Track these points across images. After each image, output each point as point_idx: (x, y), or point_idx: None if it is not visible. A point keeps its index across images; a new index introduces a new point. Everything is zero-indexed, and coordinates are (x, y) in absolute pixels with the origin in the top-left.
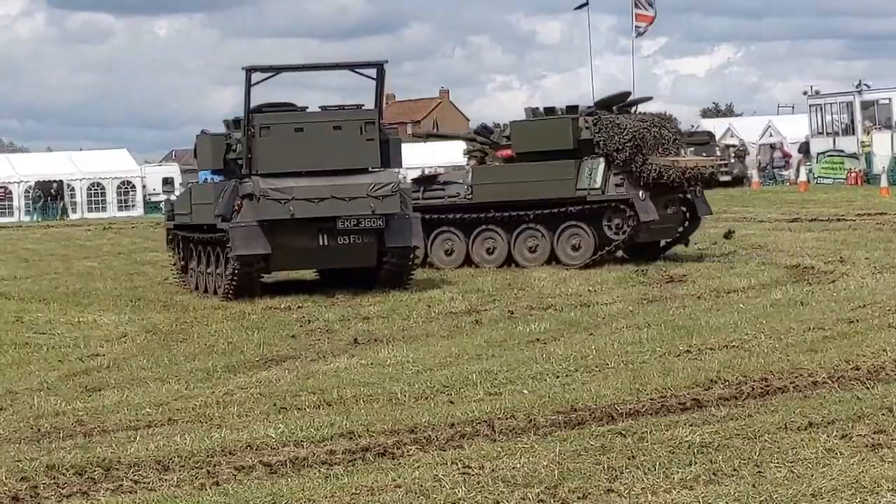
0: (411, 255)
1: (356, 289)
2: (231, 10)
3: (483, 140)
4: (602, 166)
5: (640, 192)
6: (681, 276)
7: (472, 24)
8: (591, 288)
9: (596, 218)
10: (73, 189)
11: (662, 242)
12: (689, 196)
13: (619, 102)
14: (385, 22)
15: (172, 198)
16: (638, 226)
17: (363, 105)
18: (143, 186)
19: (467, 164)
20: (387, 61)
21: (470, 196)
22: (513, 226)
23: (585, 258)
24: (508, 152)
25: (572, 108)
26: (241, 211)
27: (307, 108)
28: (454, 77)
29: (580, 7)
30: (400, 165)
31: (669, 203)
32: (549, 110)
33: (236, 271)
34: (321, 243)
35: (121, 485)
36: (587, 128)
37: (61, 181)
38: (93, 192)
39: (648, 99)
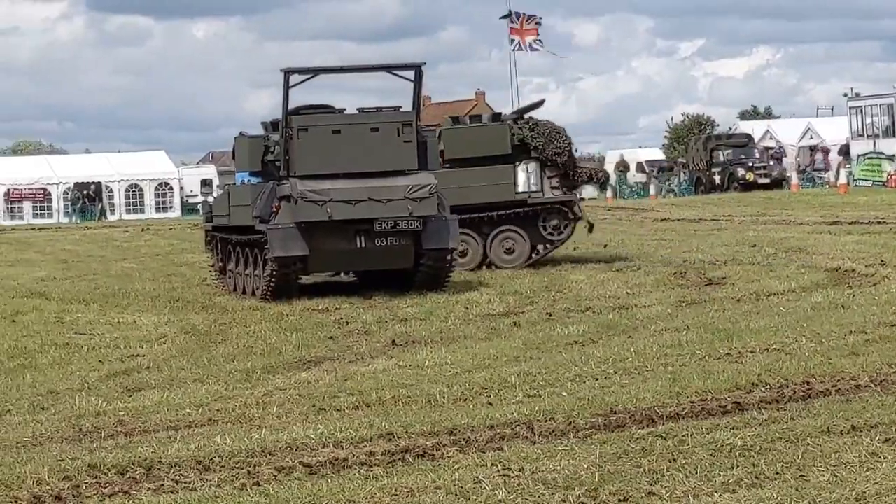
0: (448, 257)
1: (393, 290)
2: (268, 13)
3: None
4: (538, 170)
5: (577, 194)
6: (720, 278)
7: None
8: (629, 290)
9: (531, 221)
10: (111, 191)
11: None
12: None
13: (535, 110)
14: (421, 24)
15: (210, 199)
16: (575, 226)
17: (401, 107)
18: (181, 188)
19: None
20: (424, 63)
21: None
22: None
23: (520, 261)
24: None
25: (497, 116)
26: (279, 213)
27: (345, 110)
28: (490, 79)
29: (505, 17)
30: (437, 167)
31: None
32: (476, 118)
33: (274, 273)
34: (358, 245)
35: (162, 484)
36: (514, 133)
37: (99, 183)
38: (131, 193)
39: (540, 105)
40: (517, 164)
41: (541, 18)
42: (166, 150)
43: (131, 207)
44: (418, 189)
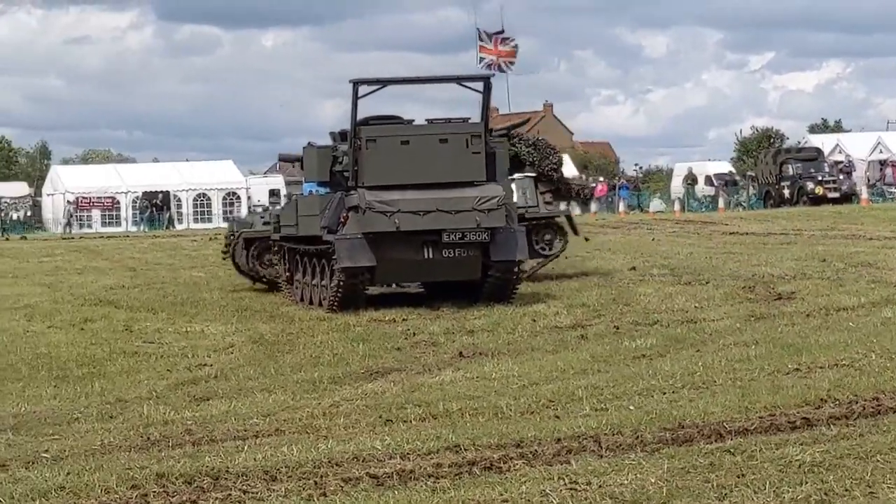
0: (516, 269)
1: (461, 302)
2: (337, 24)
3: None
4: (532, 185)
5: (568, 208)
6: (789, 293)
7: (577, 37)
8: (697, 304)
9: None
10: (179, 199)
11: None
12: None
13: (520, 127)
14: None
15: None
16: (567, 240)
17: (469, 118)
18: (248, 198)
19: None
20: (493, 74)
21: None
22: None
23: None
24: None
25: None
26: (347, 223)
27: (413, 120)
28: (559, 91)
29: (497, 33)
30: (505, 179)
31: None
32: None
33: (341, 283)
34: (426, 256)
35: (229, 494)
36: (509, 148)
37: (167, 191)
38: (198, 202)
39: (526, 123)
40: (513, 179)
41: (516, 44)
42: (234, 159)
43: (199, 216)
44: (487, 200)
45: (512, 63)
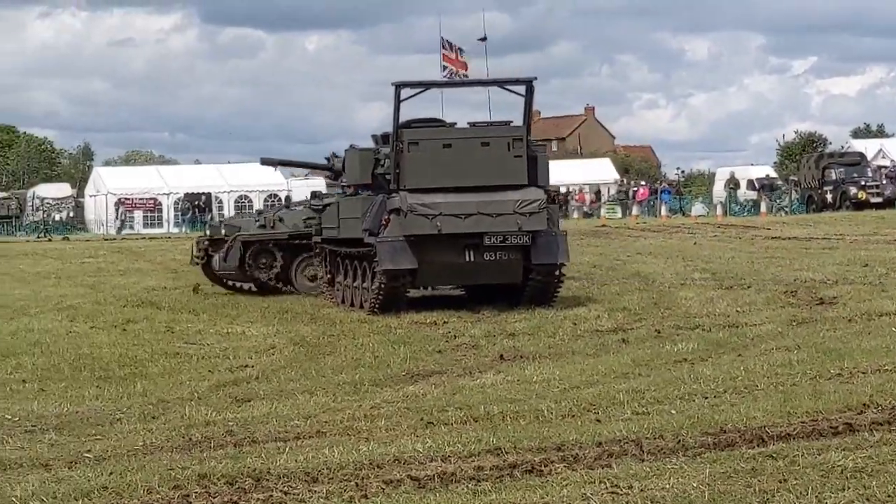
0: (558, 273)
1: (502, 305)
2: (378, 27)
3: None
4: None
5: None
6: (831, 298)
7: (619, 41)
8: (738, 308)
9: None
10: (220, 201)
11: None
12: None
13: None
14: (532, 39)
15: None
16: None
17: (511, 121)
18: (289, 199)
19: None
20: (536, 78)
21: None
22: None
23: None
24: None
25: None
26: (389, 226)
27: (455, 123)
28: (600, 94)
29: (481, 40)
30: (547, 182)
31: None
32: None
33: (383, 285)
34: (467, 259)
35: (271, 495)
36: None
37: (209, 193)
38: (240, 204)
39: None
40: None
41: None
42: None
43: None
44: (528, 204)
45: (466, 76)
